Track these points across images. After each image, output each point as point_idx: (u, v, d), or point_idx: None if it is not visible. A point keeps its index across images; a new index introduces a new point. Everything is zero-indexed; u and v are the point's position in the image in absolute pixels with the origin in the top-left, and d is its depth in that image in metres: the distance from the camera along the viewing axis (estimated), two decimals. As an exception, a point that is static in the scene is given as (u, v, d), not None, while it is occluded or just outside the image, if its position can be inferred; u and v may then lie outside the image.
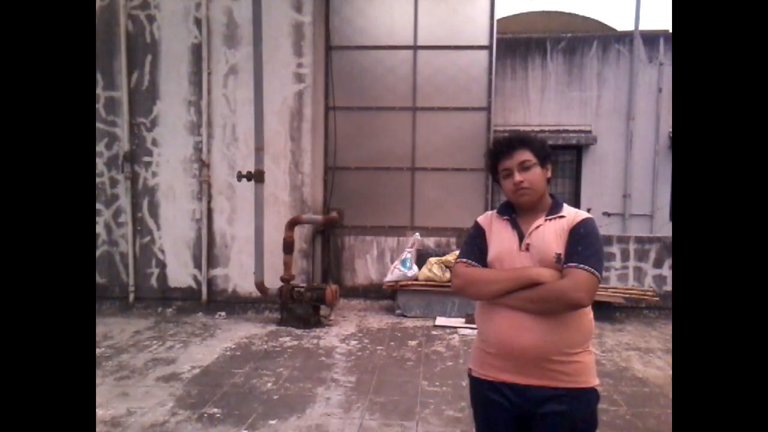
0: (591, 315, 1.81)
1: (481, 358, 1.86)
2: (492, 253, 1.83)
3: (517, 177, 1.78)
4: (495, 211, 1.93)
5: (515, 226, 1.83)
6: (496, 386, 1.80)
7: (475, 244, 1.87)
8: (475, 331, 1.96)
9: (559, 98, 9.57)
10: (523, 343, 1.71)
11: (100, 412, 3.62)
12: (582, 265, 1.67)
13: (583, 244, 1.71)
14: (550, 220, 1.80)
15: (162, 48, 6.70)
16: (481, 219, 1.94)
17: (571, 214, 1.80)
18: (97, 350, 5.02)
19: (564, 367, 1.72)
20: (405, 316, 6.46)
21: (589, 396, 1.76)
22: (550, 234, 1.76)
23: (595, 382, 1.78)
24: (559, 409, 1.71)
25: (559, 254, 1.72)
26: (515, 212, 1.87)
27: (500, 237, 1.84)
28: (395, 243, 7.38)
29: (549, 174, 1.84)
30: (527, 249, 1.77)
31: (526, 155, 1.79)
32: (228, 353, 5.03)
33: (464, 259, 1.86)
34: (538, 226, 1.79)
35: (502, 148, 1.84)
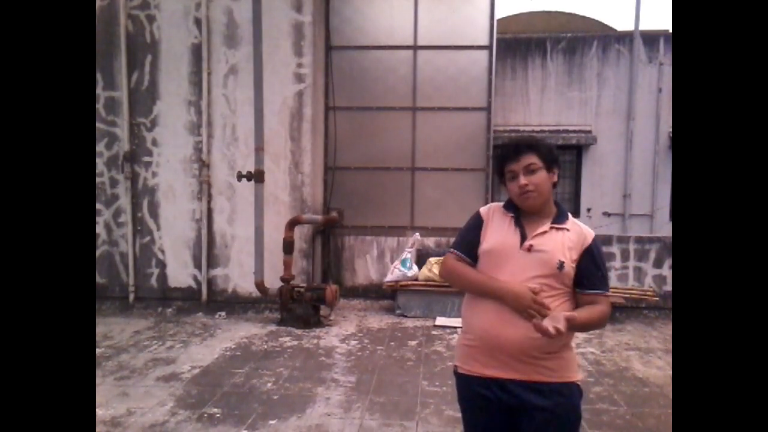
0: None
1: (466, 354, 1.90)
2: (488, 243, 1.86)
3: (522, 180, 1.81)
4: (501, 204, 1.95)
5: (518, 224, 1.85)
6: (482, 381, 1.84)
7: (468, 237, 1.94)
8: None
9: (559, 98, 9.57)
10: (507, 336, 1.76)
11: (100, 412, 3.62)
12: (607, 293, 1.84)
13: (601, 266, 1.84)
14: (556, 229, 1.83)
15: (162, 48, 6.70)
16: (483, 210, 1.97)
17: (576, 229, 1.85)
18: (97, 350, 5.02)
19: (547, 363, 1.77)
20: (405, 316, 6.46)
21: (572, 390, 1.80)
22: (555, 242, 1.80)
23: (577, 377, 1.84)
24: (543, 404, 1.76)
25: (563, 262, 1.76)
26: (519, 211, 1.89)
27: (500, 231, 1.86)
28: (395, 243, 7.37)
29: (555, 179, 1.86)
30: (529, 250, 1.79)
31: (532, 159, 1.81)
32: (228, 353, 5.03)
33: (454, 251, 1.97)
34: (543, 232, 1.82)
35: (508, 152, 1.87)
